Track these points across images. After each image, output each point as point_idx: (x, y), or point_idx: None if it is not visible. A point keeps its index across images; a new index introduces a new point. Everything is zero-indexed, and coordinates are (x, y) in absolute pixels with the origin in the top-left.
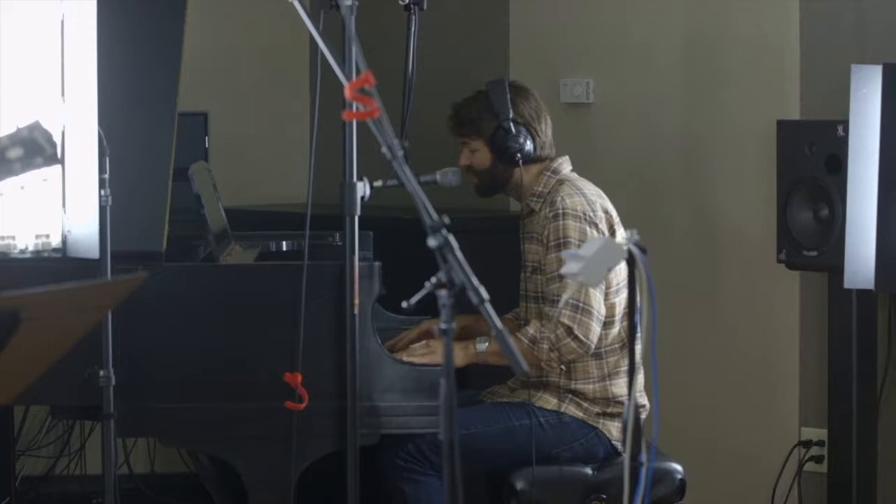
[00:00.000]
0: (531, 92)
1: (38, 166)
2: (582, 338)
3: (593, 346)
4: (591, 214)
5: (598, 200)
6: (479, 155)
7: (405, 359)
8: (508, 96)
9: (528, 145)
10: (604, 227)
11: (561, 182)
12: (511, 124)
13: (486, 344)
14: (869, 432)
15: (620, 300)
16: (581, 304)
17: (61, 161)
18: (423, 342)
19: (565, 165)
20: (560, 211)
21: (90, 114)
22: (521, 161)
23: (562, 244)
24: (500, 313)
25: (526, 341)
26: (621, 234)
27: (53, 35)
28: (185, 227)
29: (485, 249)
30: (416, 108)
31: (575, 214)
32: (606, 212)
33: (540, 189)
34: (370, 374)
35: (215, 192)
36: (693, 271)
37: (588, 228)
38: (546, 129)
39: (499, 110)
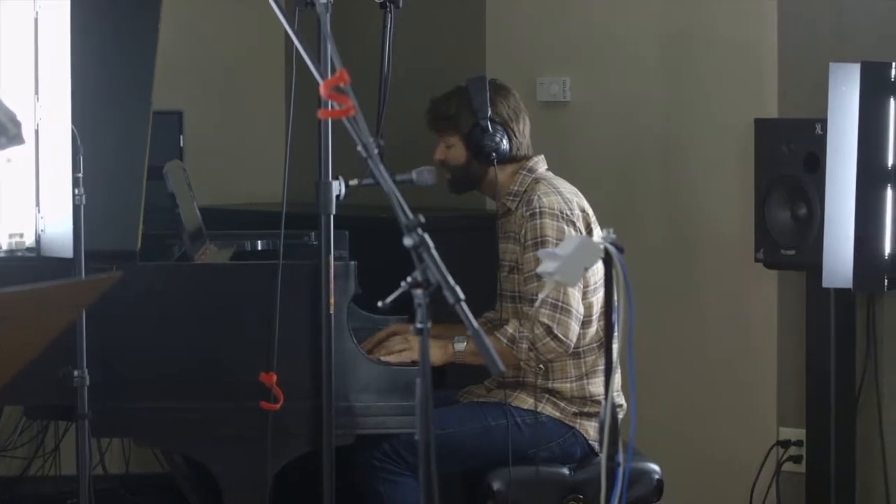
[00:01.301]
0: (511, 91)
1: (3, 146)
2: (561, 337)
3: (572, 346)
4: (569, 213)
5: (574, 199)
6: (455, 151)
7: (383, 356)
8: (488, 94)
9: (505, 145)
10: (581, 225)
11: (537, 181)
12: (488, 123)
13: (465, 343)
14: (847, 432)
15: (598, 299)
16: (560, 304)
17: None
18: (401, 337)
19: (541, 164)
20: (537, 210)
21: (64, 112)
22: (496, 160)
23: (539, 243)
24: (475, 313)
25: (505, 341)
26: (598, 233)
27: (27, 33)
28: (159, 227)
29: (461, 248)
30: (392, 107)
31: (552, 213)
32: (583, 210)
33: (516, 188)
34: (346, 374)
35: (190, 191)
36: (670, 270)
37: (566, 227)
38: (524, 129)
39: (477, 108)
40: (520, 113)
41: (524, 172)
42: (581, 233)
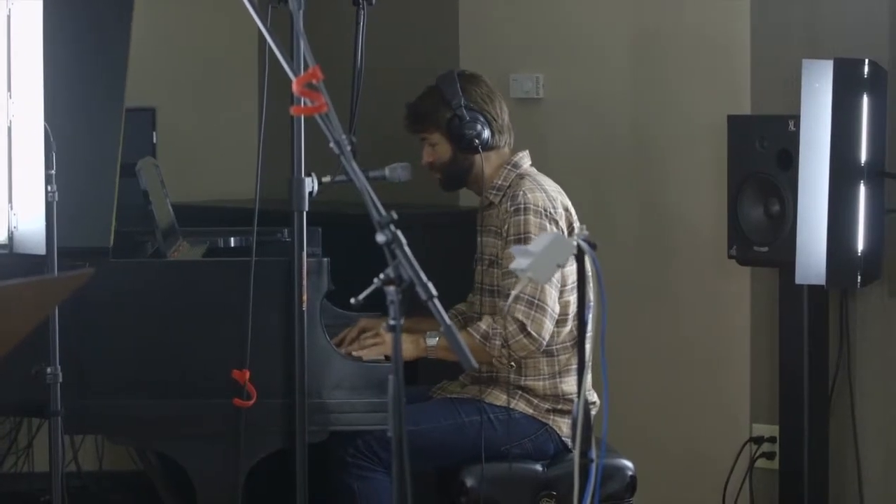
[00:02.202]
0: (481, 77)
1: None
2: (534, 334)
3: (545, 343)
4: (552, 211)
5: (558, 197)
6: (440, 148)
7: (355, 352)
8: (458, 85)
9: (486, 132)
10: (563, 224)
11: (521, 177)
12: (464, 111)
13: (437, 339)
14: (821, 429)
15: (574, 298)
16: (536, 301)
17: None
18: (373, 332)
19: (525, 160)
20: (521, 206)
21: (36, 109)
22: (480, 147)
23: (522, 239)
24: (447, 308)
25: (478, 337)
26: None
27: None
28: (132, 223)
29: (433, 245)
30: (365, 104)
31: (536, 210)
32: (567, 209)
33: (500, 182)
34: (319, 370)
35: (163, 188)
36: (643, 267)
37: (548, 225)
38: (501, 112)
39: (450, 99)
40: (493, 97)
41: (509, 167)
42: (563, 231)
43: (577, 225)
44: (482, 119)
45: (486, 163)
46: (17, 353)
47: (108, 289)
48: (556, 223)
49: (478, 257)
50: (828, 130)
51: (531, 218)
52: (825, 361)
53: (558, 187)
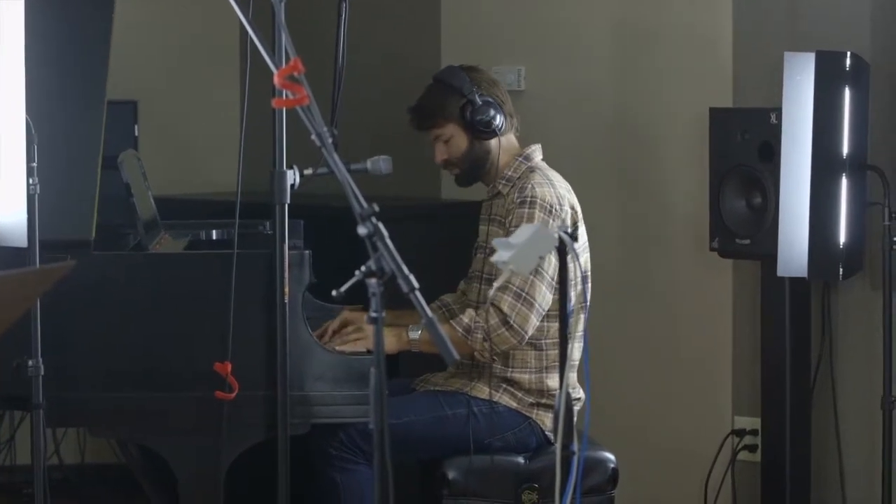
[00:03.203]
0: (479, 66)
1: None
2: (517, 327)
3: (527, 337)
4: (558, 208)
5: (566, 195)
6: (455, 140)
7: (337, 346)
8: (463, 73)
9: (499, 117)
10: (568, 223)
11: (532, 170)
12: (476, 96)
13: (419, 332)
14: (802, 421)
15: (570, 294)
16: (524, 294)
17: None
18: (355, 326)
19: (537, 153)
20: (529, 199)
21: (18, 101)
22: (498, 130)
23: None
24: (430, 301)
25: (460, 330)
26: (583, 232)
27: None
28: (114, 216)
29: (415, 237)
30: (347, 97)
31: (542, 205)
32: (573, 208)
33: (510, 173)
34: (301, 363)
35: (145, 181)
36: (625, 259)
37: (552, 222)
38: (506, 96)
39: (460, 87)
40: (496, 82)
41: (521, 159)
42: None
43: (581, 224)
44: (493, 102)
45: (501, 150)
46: None
47: (89, 281)
48: (562, 221)
49: (478, 245)
50: (810, 123)
51: (537, 212)
52: (807, 354)
53: (567, 185)
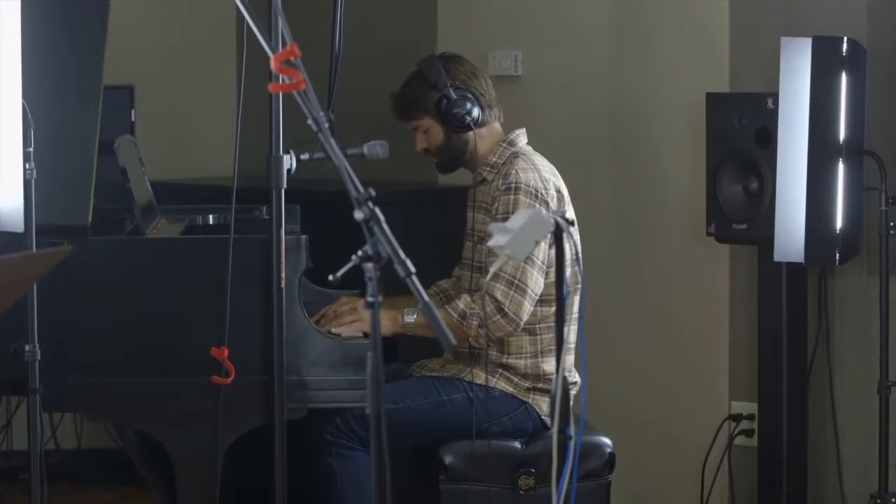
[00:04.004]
0: (461, 56)
1: None
2: (511, 315)
3: (522, 324)
4: (544, 192)
5: (551, 179)
6: (432, 132)
7: (333, 328)
8: (441, 65)
9: (475, 109)
10: (554, 206)
11: (516, 155)
12: (451, 90)
13: (415, 316)
14: (799, 407)
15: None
16: (516, 282)
17: None
18: (350, 308)
19: (521, 138)
20: (513, 185)
21: (14, 87)
22: (471, 124)
23: (499, 222)
24: (426, 286)
25: (455, 316)
26: (571, 214)
27: None
28: (110, 201)
29: (412, 222)
30: (343, 81)
31: (528, 190)
32: (559, 191)
33: (494, 159)
34: (297, 348)
35: (141, 166)
36: (622, 245)
37: (539, 206)
38: (487, 87)
39: (436, 81)
40: (477, 72)
41: (504, 145)
42: None
43: (568, 207)
44: (470, 96)
45: (480, 139)
46: None
47: (86, 266)
48: (547, 205)
49: (469, 232)
50: (806, 108)
51: (522, 198)
52: (804, 339)
53: (553, 168)
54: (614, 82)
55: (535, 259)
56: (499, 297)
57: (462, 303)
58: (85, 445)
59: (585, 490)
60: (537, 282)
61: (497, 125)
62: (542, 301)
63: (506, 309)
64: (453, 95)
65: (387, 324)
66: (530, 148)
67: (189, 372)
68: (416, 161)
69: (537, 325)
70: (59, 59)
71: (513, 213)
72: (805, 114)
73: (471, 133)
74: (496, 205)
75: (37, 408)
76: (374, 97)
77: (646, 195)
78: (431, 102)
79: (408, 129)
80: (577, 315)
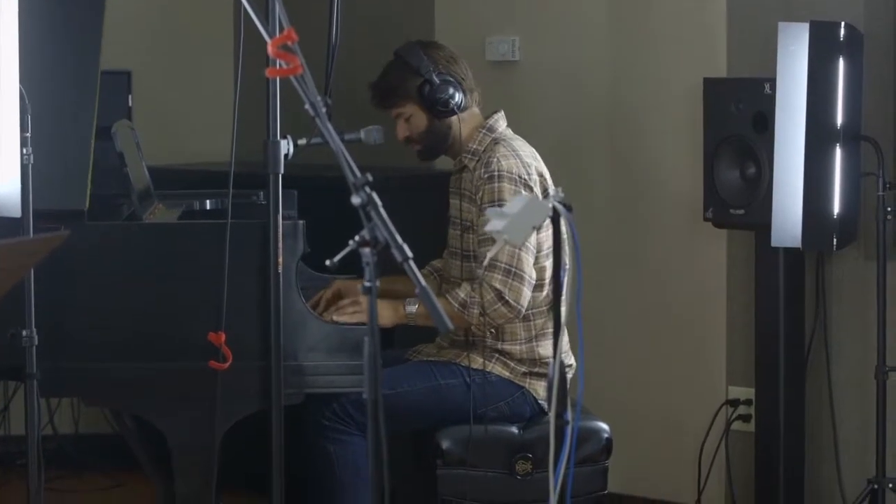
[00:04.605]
0: (439, 42)
1: None
2: (512, 302)
3: (524, 311)
4: (527, 178)
5: (533, 163)
6: (415, 119)
7: (335, 318)
8: (421, 51)
9: (458, 94)
10: (538, 190)
11: (496, 141)
12: (434, 75)
13: (416, 306)
14: (796, 392)
15: (551, 263)
16: (513, 269)
17: None
18: (352, 300)
19: (501, 122)
20: (496, 173)
21: (12, 72)
22: (455, 109)
23: (496, 207)
24: (419, 266)
25: (456, 305)
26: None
27: None
28: (108, 186)
29: (409, 207)
30: (340, 66)
31: (510, 177)
32: (541, 175)
33: (475, 146)
34: (295, 333)
35: (138, 151)
36: (619, 230)
37: (523, 191)
38: (466, 71)
39: (418, 66)
40: (456, 58)
41: (484, 131)
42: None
43: (551, 191)
44: (452, 81)
45: (462, 124)
46: None
47: (83, 251)
48: (531, 190)
49: (454, 221)
50: (804, 93)
51: (505, 185)
52: (801, 324)
53: (534, 152)
54: (612, 68)
55: (528, 245)
56: (497, 286)
57: (462, 292)
58: (82, 431)
59: (582, 475)
60: (532, 266)
61: (477, 109)
62: (534, 286)
63: (506, 297)
64: (436, 80)
65: (388, 315)
66: (510, 132)
67: (186, 357)
68: (417, 156)
69: (530, 311)
70: (57, 44)
71: (498, 200)
72: (802, 99)
73: (454, 118)
74: (480, 194)
75: (34, 393)
76: (372, 104)
77: (643, 180)
78: (414, 89)
79: (389, 117)
80: (565, 297)
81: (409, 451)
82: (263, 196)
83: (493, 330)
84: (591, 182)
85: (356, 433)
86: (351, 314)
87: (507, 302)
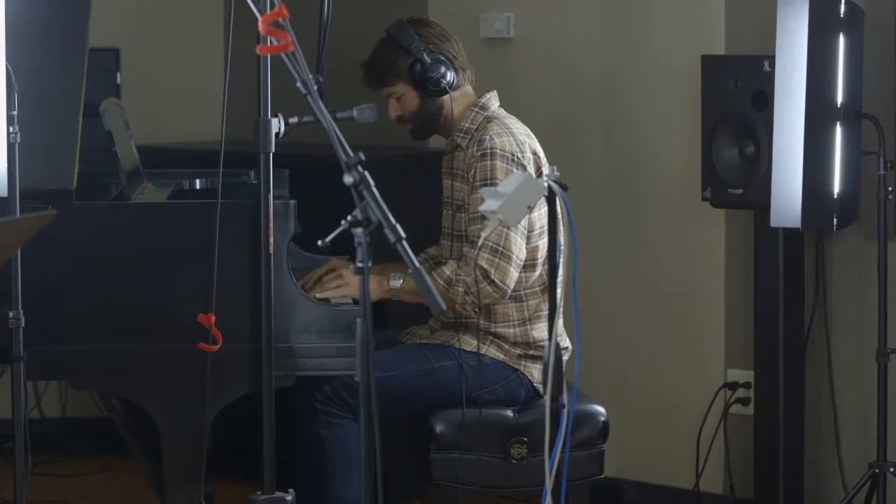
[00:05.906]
0: (430, 20)
1: None
2: (498, 282)
3: (510, 291)
4: (520, 156)
5: (527, 141)
6: (406, 98)
7: (318, 294)
8: (412, 30)
9: (450, 72)
10: (532, 168)
11: (489, 119)
12: (424, 54)
13: (401, 281)
14: (796, 374)
15: (544, 243)
16: (500, 249)
17: None
18: (336, 273)
19: (493, 101)
20: (488, 151)
21: None
22: (448, 87)
23: (489, 185)
24: (416, 251)
25: (441, 282)
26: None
27: None
28: (96, 165)
29: (402, 186)
30: (332, 43)
31: (503, 155)
32: (535, 153)
33: (467, 125)
34: (286, 314)
35: (127, 130)
36: (616, 210)
37: (516, 170)
38: (459, 49)
39: (408, 45)
40: (448, 35)
41: (476, 109)
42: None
43: (545, 169)
44: (444, 59)
45: (455, 103)
46: None
47: (71, 231)
48: (524, 168)
49: (447, 201)
50: (803, 71)
51: (498, 163)
52: (801, 305)
53: (527, 130)
54: (608, 44)
55: (518, 224)
56: (484, 265)
57: (448, 269)
58: (70, 414)
59: (578, 459)
60: (521, 247)
61: (469, 88)
62: (525, 267)
63: (492, 276)
64: (427, 59)
65: (372, 289)
66: (503, 111)
67: (176, 339)
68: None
69: (522, 292)
70: (44, 22)
71: (490, 178)
72: (802, 76)
73: (446, 97)
74: (472, 172)
75: (21, 375)
76: (363, 84)
77: (639, 160)
78: (405, 67)
79: (381, 96)
80: (560, 279)
81: (401, 434)
82: (254, 175)
83: (477, 310)
84: (587, 161)
85: (348, 416)
86: (335, 288)
87: (492, 281)
